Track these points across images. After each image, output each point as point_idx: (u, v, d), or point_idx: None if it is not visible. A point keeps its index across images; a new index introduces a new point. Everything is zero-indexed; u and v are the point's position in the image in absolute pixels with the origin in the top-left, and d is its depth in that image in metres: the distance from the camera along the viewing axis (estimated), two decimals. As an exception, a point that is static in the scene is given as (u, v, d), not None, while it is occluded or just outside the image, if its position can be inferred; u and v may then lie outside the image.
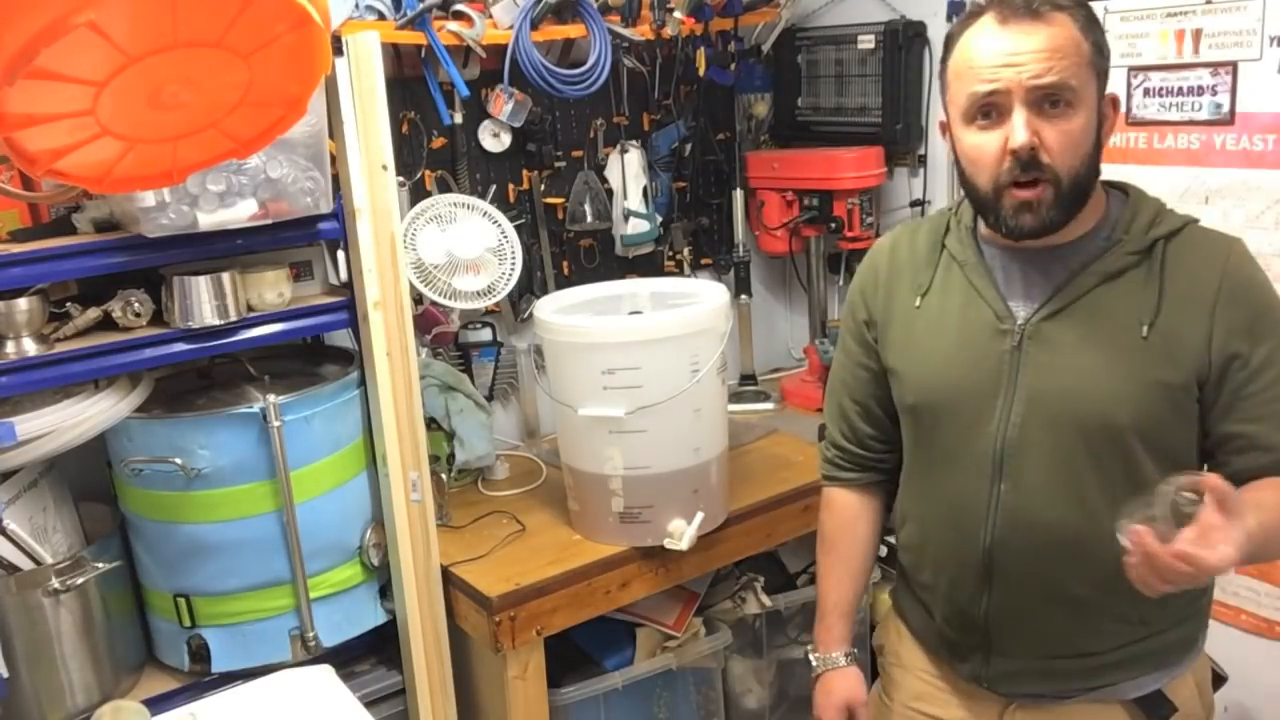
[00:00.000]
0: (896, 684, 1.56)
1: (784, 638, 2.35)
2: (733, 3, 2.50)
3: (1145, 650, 1.36)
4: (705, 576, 2.19)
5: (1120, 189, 1.36)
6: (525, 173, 2.42)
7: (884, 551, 1.98)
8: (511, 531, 2.04)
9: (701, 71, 2.52)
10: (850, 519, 1.58)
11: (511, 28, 2.15)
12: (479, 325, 2.43)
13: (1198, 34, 1.85)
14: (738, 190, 2.66)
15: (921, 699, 1.52)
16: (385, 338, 1.82)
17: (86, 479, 1.89)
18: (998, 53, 1.21)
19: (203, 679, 1.82)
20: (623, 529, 1.94)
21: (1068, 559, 1.31)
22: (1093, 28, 1.23)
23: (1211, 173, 1.87)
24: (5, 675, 1.62)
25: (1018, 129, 1.20)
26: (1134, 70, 1.95)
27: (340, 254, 1.88)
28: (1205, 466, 1.33)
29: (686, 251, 2.66)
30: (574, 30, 2.25)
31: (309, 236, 1.82)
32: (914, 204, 2.60)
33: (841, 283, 2.77)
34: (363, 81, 1.73)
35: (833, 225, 2.57)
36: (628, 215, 2.49)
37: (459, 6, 2.12)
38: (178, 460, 1.69)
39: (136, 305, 1.69)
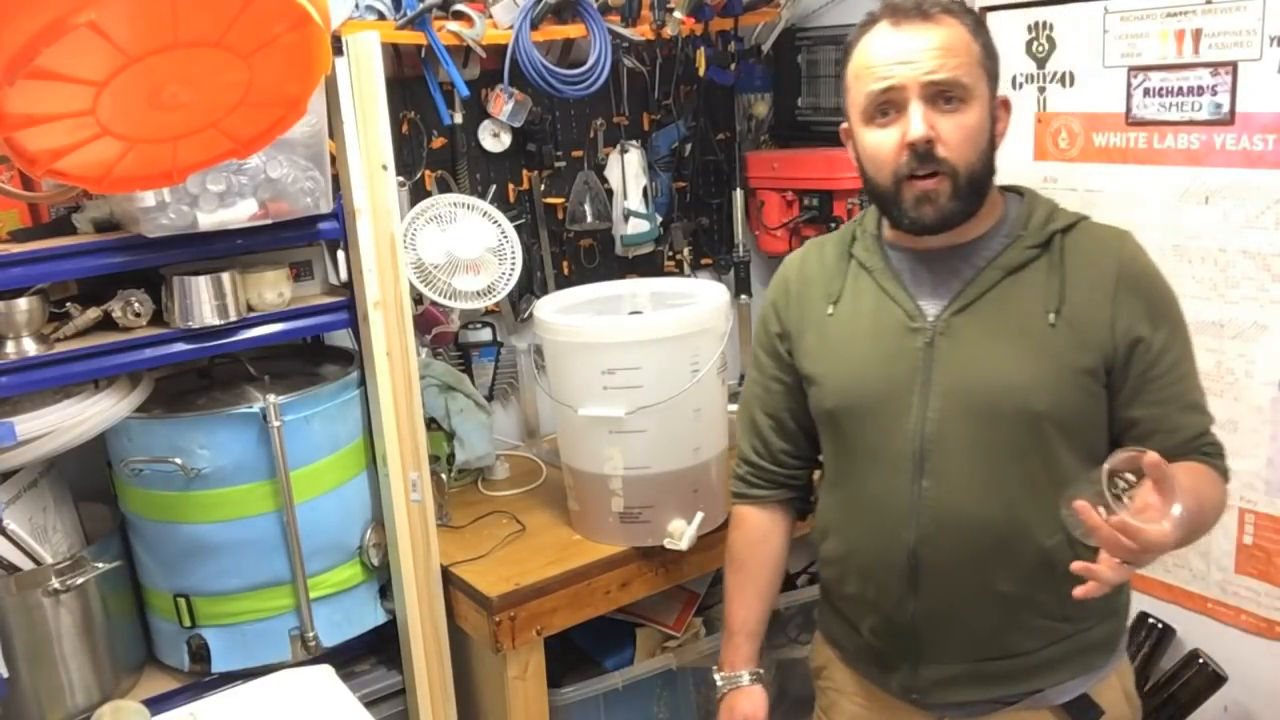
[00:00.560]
0: (835, 705, 1.57)
1: (783, 637, 2.35)
2: (733, 3, 2.49)
3: (1071, 648, 1.38)
4: (705, 576, 2.19)
5: (1016, 191, 1.40)
6: (525, 173, 2.42)
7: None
8: (511, 531, 2.04)
9: (701, 71, 2.52)
10: (759, 537, 1.59)
11: (511, 28, 2.15)
12: (479, 325, 2.43)
13: (1198, 34, 1.85)
14: (738, 190, 2.66)
15: None
16: (385, 338, 1.82)
17: (86, 479, 1.89)
18: (893, 51, 1.26)
19: (203, 679, 1.82)
20: (623, 529, 1.94)
21: (992, 553, 1.32)
22: (981, 31, 1.30)
23: (1211, 173, 1.87)
24: (5, 675, 1.62)
25: (914, 121, 1.24)
26: (1134, 70, 1.95)
27: (340, 254, 1.88)
28: None
29: (686, 251, 2.66)
30: (574, 30, 2.25)
31: (309, 236, 1.82)
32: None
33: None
34: (363, 81, 1.73)
35: (833, 225, 2.56)
36: (628, 215, 2.49)
37: (459, 6, 2.12)
38: (178, 460, 1.69)
39: (136, 305, 1.69)
